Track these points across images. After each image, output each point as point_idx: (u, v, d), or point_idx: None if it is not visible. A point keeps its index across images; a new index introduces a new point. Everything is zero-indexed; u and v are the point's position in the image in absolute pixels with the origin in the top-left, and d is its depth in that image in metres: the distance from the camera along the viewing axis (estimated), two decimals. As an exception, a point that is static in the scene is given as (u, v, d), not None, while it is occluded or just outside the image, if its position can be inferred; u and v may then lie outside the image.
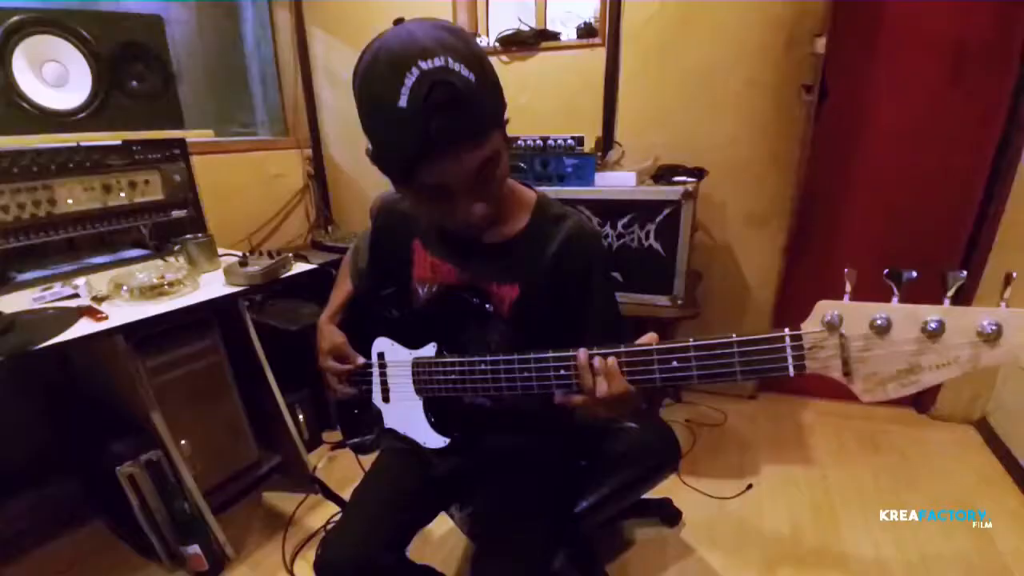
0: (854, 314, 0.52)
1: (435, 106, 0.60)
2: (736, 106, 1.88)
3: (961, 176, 1.85)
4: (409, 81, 0.60)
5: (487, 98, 0.66)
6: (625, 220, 1.63)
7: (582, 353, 0.68)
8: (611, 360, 0.66)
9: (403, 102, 0.61)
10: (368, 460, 1.07)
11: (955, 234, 1.91)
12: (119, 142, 1.51)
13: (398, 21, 0.66)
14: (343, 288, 1.08)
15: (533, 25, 2.16)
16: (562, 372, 0.71)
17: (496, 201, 0.76)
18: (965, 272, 0.49)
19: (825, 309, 0.54)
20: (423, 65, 0.60)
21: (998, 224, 1.79)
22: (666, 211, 1.57)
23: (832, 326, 0.53)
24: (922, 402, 2.09)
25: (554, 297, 0.84)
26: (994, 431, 1.89)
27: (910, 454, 1.86)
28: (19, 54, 1.33)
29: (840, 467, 1.81)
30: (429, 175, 0.67)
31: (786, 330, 0.56)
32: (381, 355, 0.95)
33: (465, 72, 0.62)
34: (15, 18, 1.31)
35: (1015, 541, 1.47)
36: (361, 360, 0.97)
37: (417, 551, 0.97)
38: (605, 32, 1.94)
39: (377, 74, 0.63)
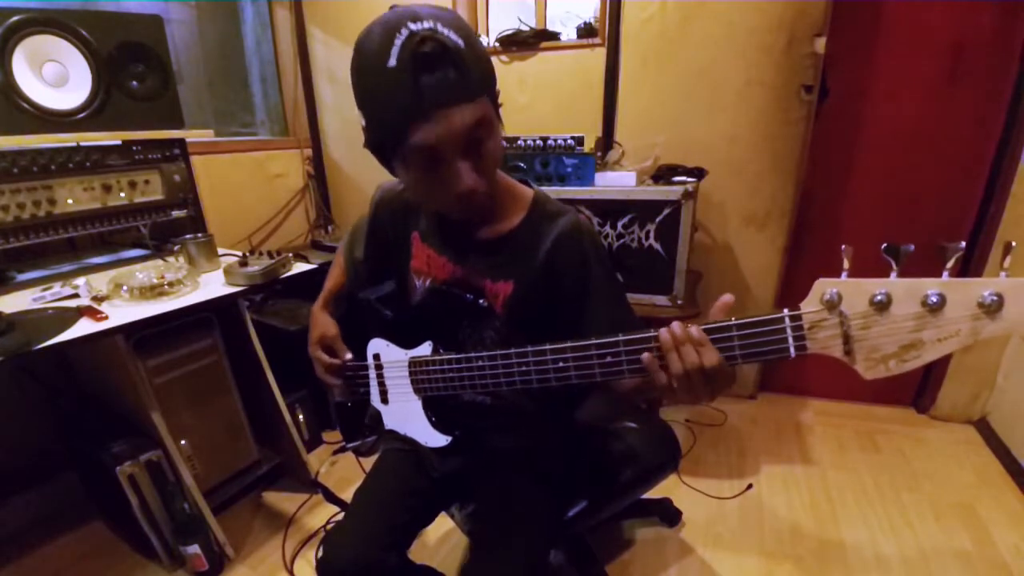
0: (853, 291, 0.51)
1: (423, 60, 0.62)
2: (736, 106, 1.88)
3: (961, 176, 1.85)
4: (398, 41, 0.62)
5: (475, 62, 0.67)
6: (625, 220, 1.63)
7: (667, 330, 0.61)
8: (694, 329, 0.59)
9: (392, 61, 0.62)
10: (369, 461, 1.07)
11: (955, 233, 1.91)
12: (119, 142, 1.51)
13: (393, 7, 0.67)
14: (337, 274, 1.07)
15: (533, 25, 2.16)
16: (560, 364, 0.70)
17: (490, 177, 0.75)
18: (963, 243, 0.48)
19: (824, 287, 0.53)
20: (412, 26, 0.62)
21: (998, 223, 1.79)
22: (666, 211, 1.57)
23: (831, 304, 0.52)
24: (922, 402, 2.09)
25: (549, 294, 0.83)
26: (994, 431, 1.89)
27: (910, 454, 1.86)
28: (19, 54, 1.33)
29: (840, 467, 1.81)
30: (420, 135, 0.66)
31: (785, 311, 0.55)
32: (376, 356, 0.95)
33: (454, 36, 0.64)
34: (15, 18, 1.31)
35: (1015, 540, 1.47)
36: (349, 356, 0.96)
37: (417, 551, 0.98)
38: (605, 32, 1.94)
39: (369, 42, 0.65)
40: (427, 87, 0.63)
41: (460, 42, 0.64)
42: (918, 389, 2.12)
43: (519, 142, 1.74)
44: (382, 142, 0.72)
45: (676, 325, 0.61)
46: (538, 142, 1.72)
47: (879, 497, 1.66)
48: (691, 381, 0.60)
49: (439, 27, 0.63)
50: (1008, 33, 1.68)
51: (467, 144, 0.69)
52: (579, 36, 2.05)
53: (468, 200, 0.73)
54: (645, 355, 0.63)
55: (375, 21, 0.66)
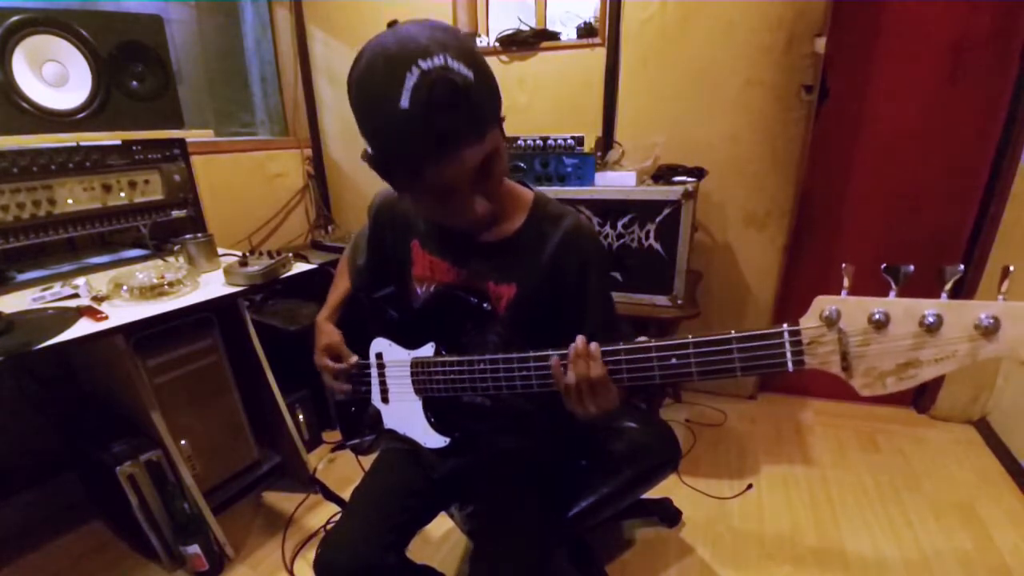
0: (852, 309, 0.52)
1: (438, 105, 0.60)
2: (736, 106, 1.88)
3: (961, 175, 1.85)
4: (410, 81, 0.59)
5: (486, 95, 0.66)
6: (625, 220, 1.63)
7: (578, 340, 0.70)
8: (593, 345, 0.68)
9: (405, 103, 0.60)
10: (368, 460, 1.07)
11: (956, 233, 1.91)
12: (119, 142, 1.51)
13: (392, 24, 0.66)
14: (341, 286, 1.08)
15: (533, 25, 2.16)
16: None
17: (497, 198, 0.76)
18: (963, 266, 0.49)
19: (823, 304, 0.54)
20: (423, 64, 0.60)
21: (999, 223, 1.79)
22: (666, 211, 1.57)
23: (830, 321, 0.53)
24: (922, 402, 2.09)
25: (551, 296, 0.84)
26: (994, 431, 1.89)
27: (910, 454, 1.86)
28: (19, 54, 1.33)
29: (840, 467, 1.81)
30: (434, 175, 0.66)
31: (784, 326, 0.56)
32: (379, 355, 0.95)
33: (464, 70, 0.62)
34: (15, 18, 1.31)
35: (1014, 540, 1.47)
36: (355, 359, 0.97)
37: (417, 551, 0.98)
38: (605, 32, 1.94)
39: (376, 76, 0.62)
40: (440, 130, 0.62)
41: (470, 75, 0.62)
42: (918, 389, 2.12)
43: (519, 142, 1.74)
44: (391, 176, 0.72)
45: (580, 338, 0.69)
46: (538, 142, 1.72)
47: (879, 497, 1.66)
48: (580, 390, 0.69)
49: (449, 62, 0.61)
50: (1008, 33, 1.68)
51: (477, 177, 0.70)
52: (579, 36, 2.04)
53: (477, 225, 0.75)
54: (554, 360, 0.71)
55: (377, 48, 0.63)
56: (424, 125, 0.61)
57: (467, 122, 0.64)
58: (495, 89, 0.69)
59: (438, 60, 0.60)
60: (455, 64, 0.61)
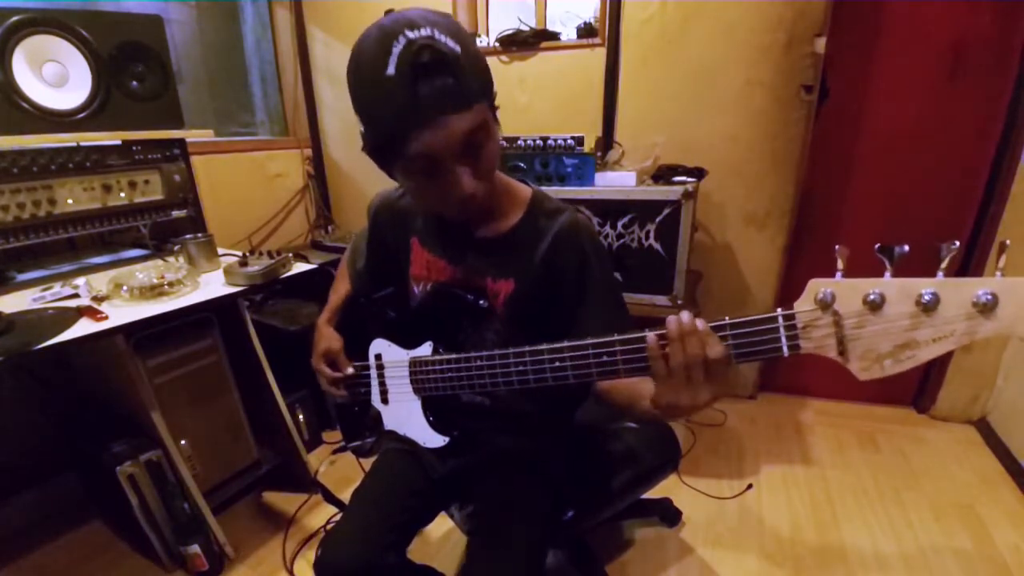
0: (847, 291, 0.51)
1: (421, 69, 0.62)
2: (736, 106, 1.88)
3: (961, 175, 1.85)
4: (396, 49, 0.62)
5: (472, 68, 0.67)
6: (625, 220, 1.63)
7: (675, 318, 0.60)
8: (700, 321, 0.58)
9: (391, 69, 0.62)
10: (368, 462, 1.07)
11: (956, 233, 1.90)
12: (119, 142, 1.51)
13: (388, 12, 0.67)
14: (341, 289, 1.08)
15: (533, 25, 2.16)
16: (556, 364, 0.70)
17: (488, 180, 0.76)
18: (957, 243, 0.48)
19: (818, 287, 0.53)
20: (409, 34, 0.62)
21: (998, 223, 1.79)
22: (666, 211, 1.57)
23: (825, 304, 0.52)
24: (922, 402, 2.09)
25: (550, 292, 0.84)
26: (994, 431, 1.89)
27: (910, 454, 1.86)
28: (19, 54, 1.33)
29: (840, 467, 1.81)
30: (418, 142, 0.67)
31: (779, 310, 0.55)
32: (379, 356, 0.95)
33: (451, 43, 0.64)
34: (15, 18, 1.31)
35: (1015, 540, 1.47)
36: (351, 369, 0.98)
37: (417, 551, 0.98)
38: (605, 32, 1.94)
39: (367, 49, 0.65)
40: (425, 96, 0.63)
41: (457, 48, 0.64)
42: (918, 389, 2.12)
43: (519, 142, 1.74)
44: (381, 148, 0.72)
45: (685, 314, 0.59)
46: (538, 142, 1.72)
47: (879, 497, 1.66)
48: (691, 374, 0.59)
49: (436, 34, 0.63)
50: (1008, 33, 1.68)
51: (465, 150, 0.69)
52: (579, 36, 2.04)
53: (468, 204, 0.74)
54: (650, 336, 0.61)
55: (371, 28, 0.66)
56: (408, 90, 0.63)
57: (452, 90, 0.65)
58: (484, 67, 0.70)
59: (425, 31, 0.63)
60: (441, 37, 0.63)
